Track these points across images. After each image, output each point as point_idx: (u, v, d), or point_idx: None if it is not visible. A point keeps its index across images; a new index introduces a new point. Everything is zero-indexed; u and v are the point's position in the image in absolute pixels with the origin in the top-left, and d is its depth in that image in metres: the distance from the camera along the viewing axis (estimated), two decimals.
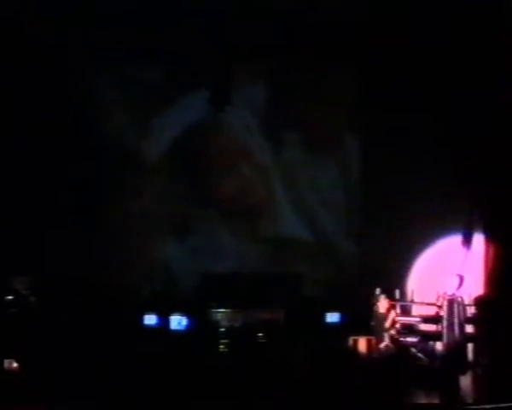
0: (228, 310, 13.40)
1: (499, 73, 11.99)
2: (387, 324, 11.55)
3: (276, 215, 14.38)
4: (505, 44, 11.60)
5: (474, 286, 12.79)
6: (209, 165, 14.24)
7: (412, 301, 13.05)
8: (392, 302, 11.87)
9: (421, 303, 12.70)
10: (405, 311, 12.79)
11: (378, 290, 11.90)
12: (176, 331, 13.19)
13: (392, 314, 11.62)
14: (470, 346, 12.44)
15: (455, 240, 13.28)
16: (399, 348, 11.53)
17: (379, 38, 12.66)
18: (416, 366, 11.49)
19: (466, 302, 12.55)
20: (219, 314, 13.36)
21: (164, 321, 13.26)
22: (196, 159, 14.28)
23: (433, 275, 13.25)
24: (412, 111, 13.21)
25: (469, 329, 12.48)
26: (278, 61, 13.70)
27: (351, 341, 12.33)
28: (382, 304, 11.59)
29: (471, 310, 12.52)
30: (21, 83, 12.92)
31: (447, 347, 11.77)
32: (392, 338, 11.47)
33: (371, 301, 11.85)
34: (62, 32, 12.38)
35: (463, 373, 11.77)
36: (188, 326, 13.24)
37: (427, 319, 12.10)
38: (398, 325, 11.62)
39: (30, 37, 12.31)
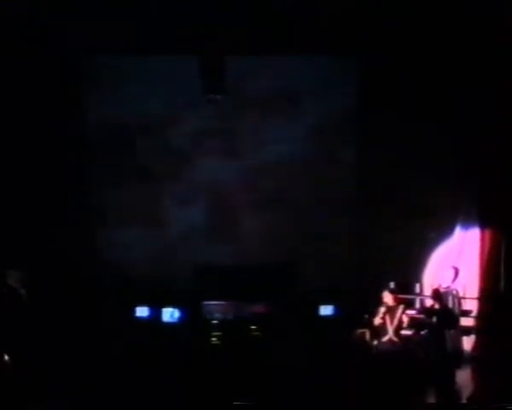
0: (220, 302, 13.34)
1: (499, 73, 11.97)
2: (396, 318, 11.48)
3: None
4: (505, 44, 11.55)
5: (470, 279, 12.88)
6: None
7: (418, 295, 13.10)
8: (401, 296, 11.81)
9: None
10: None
11: (392, 284, 11.86)
12: (168, 324, 13.13)
13: (401, 309, 11.55)
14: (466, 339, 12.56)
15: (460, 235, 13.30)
16: (403, 342, 11.48)
17: (378, 38, 12.57)
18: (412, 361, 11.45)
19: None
20: (212, 307, 13.31)
21: (156, 313, 13.19)
22: None
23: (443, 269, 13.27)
24: (412, 110, 13.17)
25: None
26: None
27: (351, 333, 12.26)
28: (390, 298, 11.51)
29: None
30: (20, 80, 12.75)
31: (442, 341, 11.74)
32: (396, 332, 11.42)
33: (375, 295, 11.77)
34: (62, 26, 12.20)
35: (459, 367, 11.77)
36: (180, 318, 13.19)
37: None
38: (406, 319, 11.54)
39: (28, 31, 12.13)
